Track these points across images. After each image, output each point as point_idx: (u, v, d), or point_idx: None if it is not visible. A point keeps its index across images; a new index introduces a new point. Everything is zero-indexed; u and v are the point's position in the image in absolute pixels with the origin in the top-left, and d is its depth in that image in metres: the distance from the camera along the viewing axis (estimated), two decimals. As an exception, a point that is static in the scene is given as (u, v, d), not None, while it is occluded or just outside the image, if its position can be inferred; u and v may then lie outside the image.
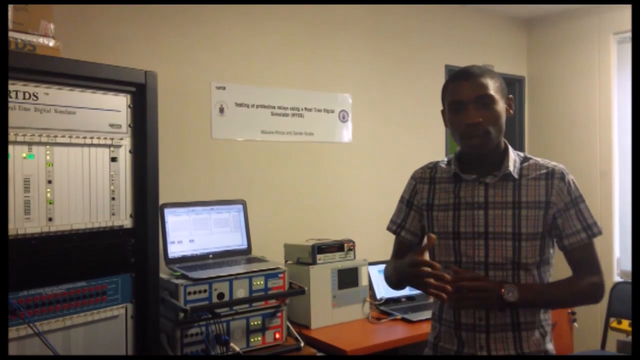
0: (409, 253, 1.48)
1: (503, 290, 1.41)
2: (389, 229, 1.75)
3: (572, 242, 1.49)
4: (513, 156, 1.54)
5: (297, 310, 2.61)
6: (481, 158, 1.54)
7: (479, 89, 1.47)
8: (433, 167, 1.67)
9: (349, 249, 2.76)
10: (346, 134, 3.33)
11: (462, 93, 1.48)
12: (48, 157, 1.64)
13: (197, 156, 2.78)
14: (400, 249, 1.73)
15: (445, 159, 1.66)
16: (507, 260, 1.48)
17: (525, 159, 1.56)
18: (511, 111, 1.55)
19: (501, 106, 1.50)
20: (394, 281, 1.64)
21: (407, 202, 1.69)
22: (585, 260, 1.50)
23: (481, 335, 1.50)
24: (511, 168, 1.51)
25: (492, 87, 1.48)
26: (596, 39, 3.89)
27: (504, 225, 1.49)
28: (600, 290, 1.50)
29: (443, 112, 1.58)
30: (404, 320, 2.69)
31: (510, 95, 1.57)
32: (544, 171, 1.51)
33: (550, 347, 1.54)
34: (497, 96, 1.48)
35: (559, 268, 1.59)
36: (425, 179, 1.66)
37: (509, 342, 1.49)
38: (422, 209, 1.65)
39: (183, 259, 2.36)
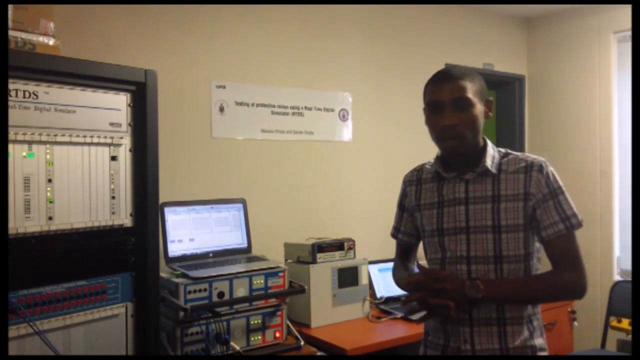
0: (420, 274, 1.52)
1: (467, 285, 1.43)
2: (390, 234, 1.85)
3: (550, 234, 1.48)
4: (492, 152, 1.57)
5: (297, 309, 2.61)
6: (460, 157, 1.56)
7: (457, 92, 1.48)
8: (420, 169, 1.73)
9: (349, 248, 2.76)
10: (346, 132, 3.32)
11: (440, 94, 1.50)
12: (48, 156, 1.63)
13: (197, 155, 2.78)
14: (401, 252, 1.84)
15: (431, 160, 1.70)
16: (488, 253, 1.50)
17: (505, 154, 1.59)
18: (490, 114, 1.57)
19: (479, 109, 1.51)
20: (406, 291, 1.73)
21: (400, 206, 1.79)
22: (564, 253, 1.48)
23: (465, 329, 1.52)
24: (489, 164, 1.54)
25: (471, 90, 1.49)
26: (596, 38, 3.89)
27: (483, 219, 1.52)
28: (578, 286, 1.48)
29: (424, 110, 1.60)
30: (404, 319, 2.69)
31: (490, 98, 1.58)
32: (522, 164, 1.53)
33: (539, 342, 1.53)
34: (474, 99, 1.49)
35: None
36: (413, 181, 1.72)
37: (494, 337, 1.50)
38: (413, 210, 1.71)
39: (183, 258, 2.36)
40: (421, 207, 1.65)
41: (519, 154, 1.58)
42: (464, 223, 1.54)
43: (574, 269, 1.47)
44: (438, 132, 1.52)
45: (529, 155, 1.56)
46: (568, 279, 1.47)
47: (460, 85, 1.49)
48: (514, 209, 1.49)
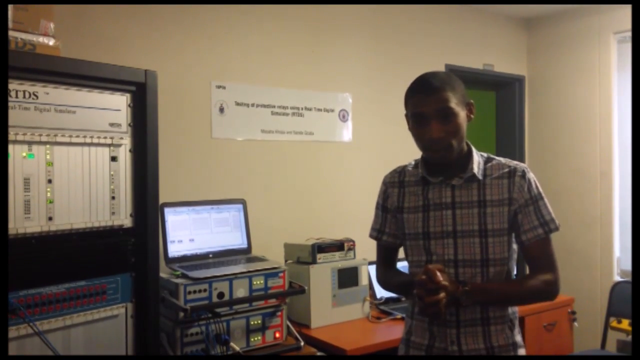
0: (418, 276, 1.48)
1: (460, 291, 1.45)
2: (370, 236, 1.82)
3: (529, 237, 1.54)
4: (477, 158, 1.60)
5: (297, 310, 2.61)
6: (446, 162, 1.57)
7: (440, 104, 1.49)
8: (401, 171, 1.72)
9: (349, 249, 2.76)
10: (346, 133, 3.32)
11: (424, 106, 1.51)
12: (48, 157, 1.64)
13: (197, 155, 2.78)
14: (385, 254, 1.81)
15: (412, 162, 1.71)
16: (475, 256, 1.54)
17: (488, 160, 1.62)
18: (472, 116, 1.59)
19: (462, 116, 1.53)
20: (397, 293, 1.70)
21: (382, 207, 1.76)
22: (541, 256, 1.55)
23: (452, 330, 1.55)
24: (475, 170, 1.57)
25: (453, 100, 1.50)
26: (596, 38, 3.89)
27: (471, 223, 1.55)
28: (554, 288, 1.54)
29: (407, 116, 1.62)
30: (404, 319, 2.68)
31: (471, 101, 1.60)
32: (506, 170, 1.58)
33: (518, 339, 1.59)
34: (457, 108, 1.51)
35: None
36: (395, 182, 1.71)
37: (479, 337, 1.54)
38: (396, 212, 1.71)
39: (183, 259, 2.36)
40: (404, 210, 1.66)
41: (501, 159, 1.62)
42: (451, 227, 1.57)
43: (550, 270, 1.54)
44: (425, 144, 1.54)
45: (511, 161, 1.61)
46: (545, 281, 1.53)
47: (442, 97, 1.49)
48: (499, 213, 1.54)
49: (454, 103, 1.50)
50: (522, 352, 1.59)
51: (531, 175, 1.58)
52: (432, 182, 1.61)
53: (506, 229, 1.54)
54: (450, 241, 1.56)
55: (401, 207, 1.67)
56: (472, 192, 1.56)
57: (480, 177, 1.57)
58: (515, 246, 1.60)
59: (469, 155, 1.59)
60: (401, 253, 1.78)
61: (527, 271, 1.59)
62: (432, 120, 1.50)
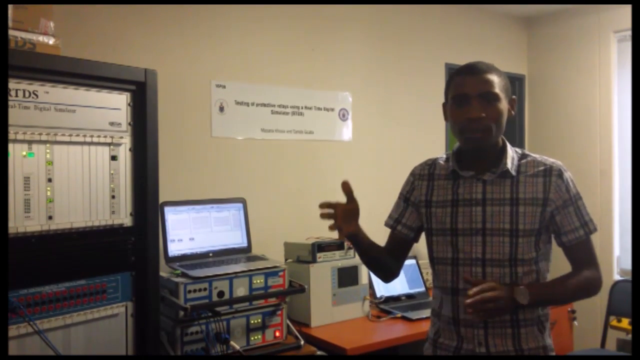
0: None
1: (516, 290, 1.42)
2: (386, 224, 1.76)
3: (570, 239, 1.51)
4: (511, 153, 1.55)
5: (297, 309, 2.61)
6: (479, 155, 1.54)
7: (484, 85, 1.47)
8: (432, 163, 1.67)
9: (349, 248, 2.75)
10: (346, 132, 3.32)
11: (467, 87, 1.48)
12: (48, 156, 1.64)
13: (197, 154, 2.78)
14: (395, 245, 1.73)
15: (444, 156, 1.67)
16: (504, 256, 1.49)
17: (523, 156, 1.57)
18: (512, 112, 1.55)
19: (504, 105, 1.50)
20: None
21: (405, 198, 1.71)
22: (584, 256, 1.54)
23: (479, 331, 1.51)
24: (509, 165, 1.52)
25: (498, 85, 1.48)
26: (596, 37, 3.89)
27: (501, 222, 1.50)
28: (598, 284, 1.53)
29: (444, 104, 1.59)
30: (403, 318, 2.69)
31: (514, 96, 1.57)
32: (541, 168, 1.52)
33: (548, 342, 1.55)
34: (501, 94, 1.48)
35: (557, 265, 1.60)
36: (424, 175, 1.66)
37: (508, 338, 1.50)
38: (419, 206, 1.66)
39: (183, 257, 2.36)
40: (432, 204, 1.61)
41: (536, 155, 1.57)
42: (481, 224, 1.51)
43: (593, 268, 1.53)
44: (462, 125, 1.49)
45: (547, 158, 1.55)
46: (590, 278, 1.52)
47: (487, 78, 1.47)
48: (532, 213, 1.49)
49: (498, 88, 1.47)
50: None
51: (568, 174, 1.53)
52: (463, 176, 1.56)
53: (537, 229, 1.49)
54: (479, 239, 1.51)
55: (429, 201, 1.62)
56: (504, 188, 1.51)
57: (513, 173, 1.52)
58: (550, 245, 1.56)
59: (503, 150, 1.55)
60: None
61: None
62: (473, 101, 1.46)
